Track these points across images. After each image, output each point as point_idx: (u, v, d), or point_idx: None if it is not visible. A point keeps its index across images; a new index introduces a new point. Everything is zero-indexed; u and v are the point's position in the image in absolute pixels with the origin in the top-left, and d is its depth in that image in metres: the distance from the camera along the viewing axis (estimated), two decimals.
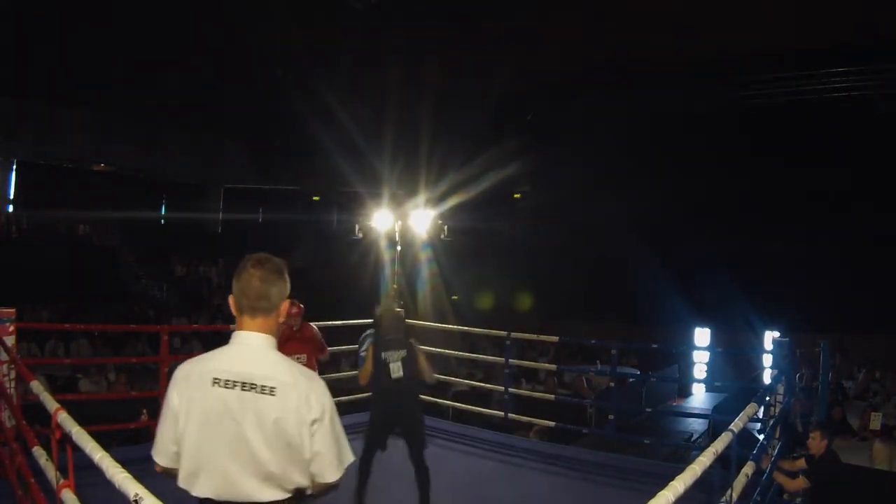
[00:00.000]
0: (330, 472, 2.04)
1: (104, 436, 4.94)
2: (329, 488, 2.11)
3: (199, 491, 1.99)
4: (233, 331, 2.10)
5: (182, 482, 2.01)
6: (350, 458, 2.13)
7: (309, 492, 2.08)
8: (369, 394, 4.87)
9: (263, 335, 2.06)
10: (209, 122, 22.25)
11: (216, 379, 1.99)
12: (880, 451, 6.44)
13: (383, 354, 4.56)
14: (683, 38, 15.34)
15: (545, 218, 20.35)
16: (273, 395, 1.97)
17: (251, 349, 2.04)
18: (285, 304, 2.12)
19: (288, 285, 2.15)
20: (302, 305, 5.30)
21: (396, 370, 4.51)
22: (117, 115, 20.63)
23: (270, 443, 1.96)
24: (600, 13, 16.11)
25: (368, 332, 5.15)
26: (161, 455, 2.04)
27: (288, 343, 5.19)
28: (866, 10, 13.58)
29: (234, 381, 1.98)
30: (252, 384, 1.97)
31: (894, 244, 14.82)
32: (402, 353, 4.57)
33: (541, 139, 19.99)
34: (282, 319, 2.11)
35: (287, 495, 2.02)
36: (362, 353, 4.75)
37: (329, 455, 2.03)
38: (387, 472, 4.69)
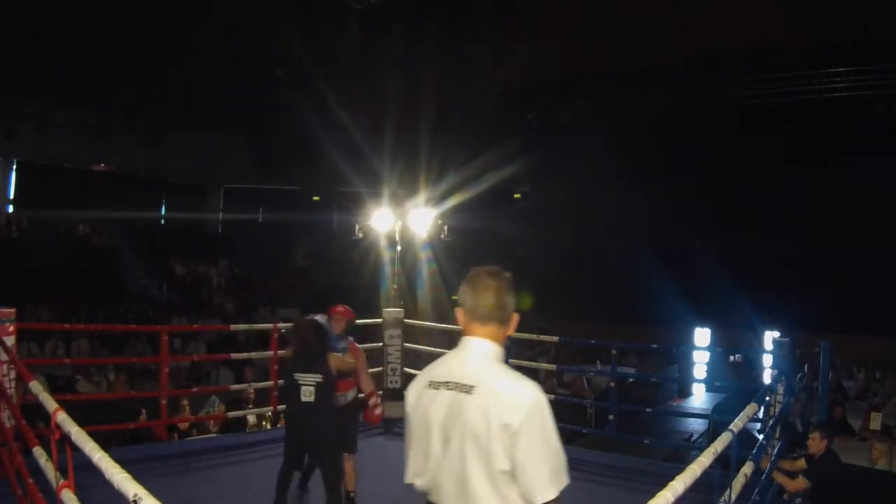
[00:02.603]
0: (538, 492, 1.82)
1: (104, 436, 4.95)
2: None
3: (435, 497, 1.99)
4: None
5: (413, 479, 2.04)
6: (566, 480, 1.87)
7: None
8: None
9: (489, 341, 2.01)
10: (209, 122, 22.25)
11: (431, 381, 2.01)
12: (880, 451, 6.44)
13: (296, 375, 4.23)
14: (683, 38, 15.36)
15: (545, 218, 20.34)
16: (470, 393, 1.90)
17: (470, 352, 2.01)
18: (515, 318, 2.07)
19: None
20: (349, 308, 5.15)
21: (308, 394, 4.18)
22: (117, 115, 20.64)
23: (465, 445, 1.88)
24: (600, 13, 16.12)
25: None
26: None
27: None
28: (866, 11, 13.59)
29: (441, 382, 1.98)
30: (456, 382, 1.95)
31: (894, 244, 14.81)
32: (318, 377, 4.19)
33: (541, 139, 19.99)
34: (510, 333, 2.07)
35: None
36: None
37: (535, 471, 1.82)
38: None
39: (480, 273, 2.05)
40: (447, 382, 1.96)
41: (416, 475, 2.02)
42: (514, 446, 1.82)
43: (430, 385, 2.01)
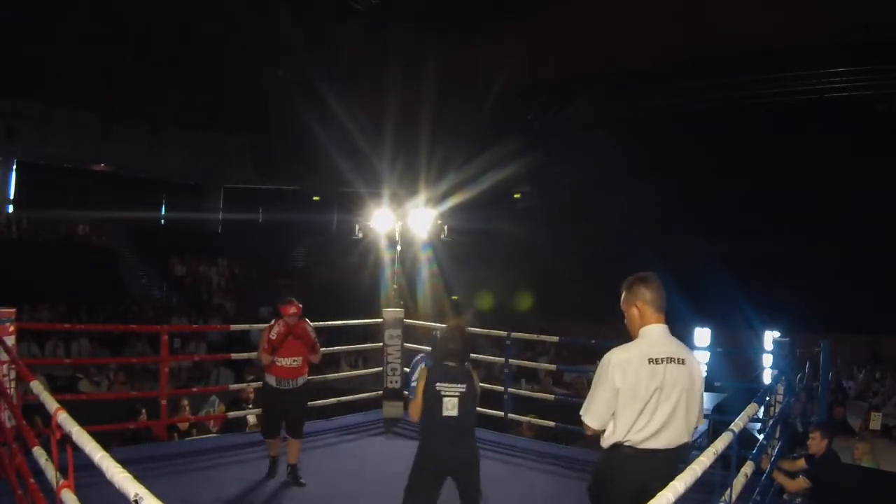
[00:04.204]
0: (700, 420, 2.92)
1: (104, 436, 4.94)
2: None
3: (649, 443, 2.74)
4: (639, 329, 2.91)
5: (626, 436, 2.75)
6: None
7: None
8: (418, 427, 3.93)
9: (666, 326, 2.89)
10: (209, 122, 22.25)
11: (651, 358, 2.78)
12: (862, 450, 6.43)
13: (438, 385, 3.73)
14: (683, 38, 15.36)
15: (545, 217, 20.34)
16: (684, 363, 2.82)
17: (665, 335, 2.88)
18: None
19: None
20: (300, 305, 5.22)
21: (451, 407, 3.70)
22: (117, 115, 20.63)
23: (683, 398, 2.78)
24: (601, 13, 16.13)
25: (422, 355, 4.35)
26: (595, 420, 2.82)
27: (285, 343, 5.11)
28: (866, 11, 13.59)
29: (662, 358, 2.79)
30: (672, 358, 2.80)
31: (894, 244, 14.80)
32: (462, 387, 3.73)
33: (541, 139, 19.98)
34: None
35: (687, 440, 2.85)
36: (413, 383, 3.99)
37: (700, 407, 2.91)
38: None
39: (648, 276, 2.92)
40: (667, 358, 2.79)
41: (635, 432, 2.74)
42: (700, 393, 2.87)
43: (651, 361, 2.77)
